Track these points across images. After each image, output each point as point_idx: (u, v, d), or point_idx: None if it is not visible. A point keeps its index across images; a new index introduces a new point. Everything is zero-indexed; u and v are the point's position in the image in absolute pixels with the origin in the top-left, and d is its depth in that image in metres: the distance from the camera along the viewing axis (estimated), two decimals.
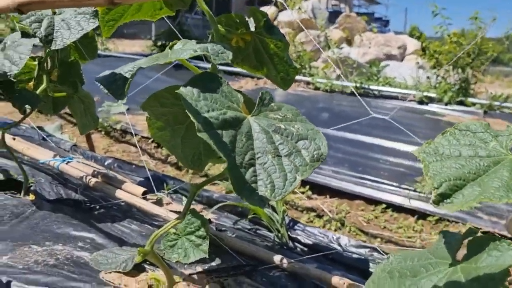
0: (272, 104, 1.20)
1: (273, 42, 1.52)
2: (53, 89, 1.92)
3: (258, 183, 1.02)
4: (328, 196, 3.68)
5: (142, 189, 1.85)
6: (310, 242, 1.91)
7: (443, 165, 0.83)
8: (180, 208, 2.27)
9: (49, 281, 1.30)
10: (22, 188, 1.99)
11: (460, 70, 5.06)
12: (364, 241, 3.06)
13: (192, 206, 2.29)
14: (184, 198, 2.36)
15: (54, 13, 1.86)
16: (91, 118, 2.03)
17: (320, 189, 3.82)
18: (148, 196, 2.41)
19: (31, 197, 1.95)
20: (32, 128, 3.24)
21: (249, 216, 2.05)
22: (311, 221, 3.34)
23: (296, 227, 1.99)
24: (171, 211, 1.84)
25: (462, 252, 0.84)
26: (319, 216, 3.39)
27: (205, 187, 2.58)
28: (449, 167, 0.82)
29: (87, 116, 2.04)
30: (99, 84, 1.15)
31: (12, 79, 1.71)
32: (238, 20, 1.48)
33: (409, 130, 4.26)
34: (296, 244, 1.92)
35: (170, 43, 1.29)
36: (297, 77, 5.95)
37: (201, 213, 2.24)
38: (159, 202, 2.22)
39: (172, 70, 6.88)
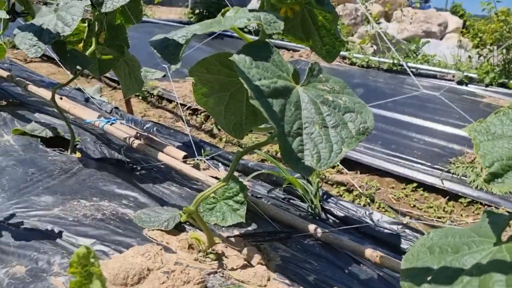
0: (321, 75, 1.21)
1: (321, 14, 1.51)
2: (100, 52, 1.98)
3: (305, 152, 1.05)
4: (359, 172, 3.69)
5: (183, 153, 1.91)
6: (342, 215, 1.94)
7: (494, 144, 0.84)
8: (217, 173, 2.33)
9: (97, 234, 1.38)
10: (69, 145, 2.08)
11: (504, 51, 4.87)
12: (394, 218, 3.08)
13: (226, 172, 2.35)
14: (220, 164, 2.41)
15: None
16: (135, 81, 2.08)
17: (351, 164, 3.83)
18: (187, 161, 2.48)
19: (78, 155, 2.04)
20: (76, 90, 3.34)
21: (284, 186, 2.09)
22: (341, 195, 3.36)
23: (329, 200, 2.02)
24: (209, 176, 1.89)
25: (507, 233, 0.86)
26: (349, 191, 3.41)
27: (246, 158, 2.63)
28: (501, 146, 0.82)
29: (132, 79, 2.10)
30: (152, 49, 1.19)
31: (64, 40, 1.77)
32: None
33: (447, 110, 4.18)
34: (329, 216, 1.95)
35: (223, 10, 1.31)
36: None
37: None
38: (196, 167, 2.29)
39: (210, 40, 6.89)
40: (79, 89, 4.17)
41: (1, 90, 2.95)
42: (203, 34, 1.26)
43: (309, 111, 1.09)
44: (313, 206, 1.96)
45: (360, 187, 3.57)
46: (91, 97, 3.19)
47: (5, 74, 2.79)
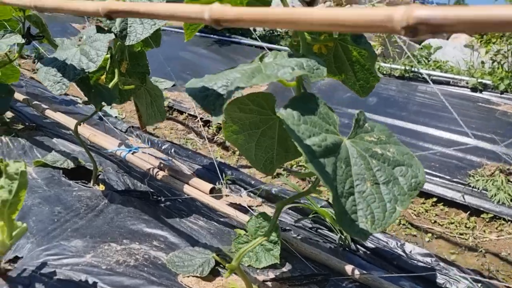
0: (366, 124, 1.17)
1: (356, 50, 1.46)
2: (122, 82, 1.93)
3: (358, 213, 1.01)
4: None
5: (209, 186, 1.87)
6: (373, 246, 1.89)
7: None
8: (240, 200, 2.29)
9: (132, 284, 1.35)
10: (90, 176, 2.04)
11: None
12: (415, 235, 3.04)
13: (250, 199, 2.32)
14: (242, 190, 2.37)
15: None
16: (157, 110, 2.04)
17: None
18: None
19: (101, 187, 2.00)
20: (84, 103, 3.29)
21: (311, 216, 2.05)
22: None
23: None
24: (235, 206, 1.85)
25: None
26: None
27: (265, 181, 2.59)
28: None
29: (154, 108, 2.06)
30: (192, 98, 1.14)
31: (87, 75, 1.73)
32: None
33: (463, 119, 4.12)
34: (359, 247, 1.91)
35: (260, 54, 1.27)
36: None
37: (260, 207, 2.26)
38: (218, 193, 2.25)
39: (218, 46, 6.80)
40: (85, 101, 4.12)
41: (15, 112, 2.92)
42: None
43: (359, 167, 1.05)
44: (343, 237, 1.92)
45: None
46: (104, 115, 3.14)
47: (21, 97, 2.76)
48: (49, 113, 2.54)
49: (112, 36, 1.70)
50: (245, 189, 2.37)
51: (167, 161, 2.49)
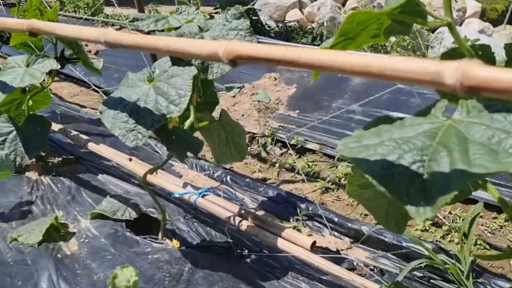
0: None
1: None
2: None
3: None
4: None
5: (311, 240, 1.56)
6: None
7: None
8: (324, 241, 2.00)
9: None
10: (154, 223, 1.74)
11: None
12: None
13: (336, 241, 2.02)
14: (323, 227, 2.07)
15: (201, 30, 1.55)
16: (235, 148, 1.73)
17: None
18: (280, 223, 2.14)
19: (175, 243, 1.70)
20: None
21: (421, 263, 1.75)
22: (427, 230, 3.02)
23: (481, 278, 1.69)
24: (322, 250, 1.56)
25: None
26: (436, 225, 3.07)
27: (351, 216, 2.27)
28: None
29: (229, 145, 1.75)
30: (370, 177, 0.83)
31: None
32: None
33: None
34: None
35: (434, 103, 0.96)
36: None
37: (349, 249, 1.97)
38: (297, 233, 1.96)
39: None
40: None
41: (48, 141, 2.60)
42: None
43: None
44: None
45: (444, 218, 3.23)
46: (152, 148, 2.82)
47: (57, 126, 2.44)
48: (93, 147, 2.22)
49: (194, 71, 1.38)
50: (326, 226, 2.07)
51: (234, 197, 2.19)
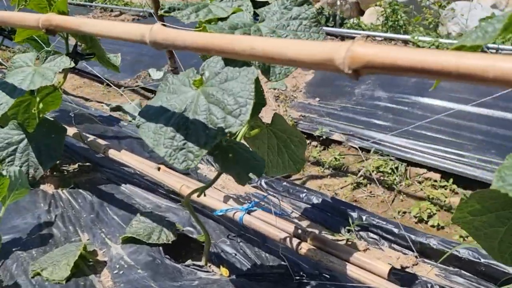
0: None
1: None
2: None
3: None
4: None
5: (387, 267, 1.33)
6: None
7: None
8: (383, 256, 1.76)
9: None
10: (191, 243, 1.50)
11: None
12: None
13: (399, 256, 1.78)
14: (379, 238, 1.83)
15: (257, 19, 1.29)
16: (289, 158, 1.48)
17: (465, 183, 3.22)
18: (330, 236, 1.91)
19: (224, 271, 1.46)
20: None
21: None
22: None
23: None
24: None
25: None
26: None
27: (387, 215, 2.03)
28: None
29: (282, 155, 1.49)
30: None
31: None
32: None
33: None
34: None
35: None
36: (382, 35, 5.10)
37: (415, 265, 1.74)
38: (354, 248, 1.73)
39: None
40: (118, 107, 3.53)
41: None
42: None
43: None
44: None
45: None
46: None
47: (71, 131, 2.17)
48: (114, 155, 1.97)
49: (255, 72, 1.12)
50: (383, 238, 1.83)
51: (280, 212, 1.95)
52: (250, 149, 1.24)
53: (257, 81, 1.46)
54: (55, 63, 1.89)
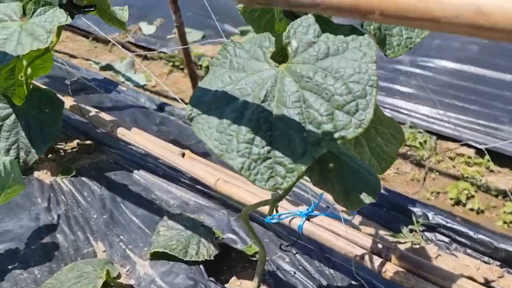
0: None
1: None
2: None
3: None
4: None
5: None
6: None
7: None
8: (460, 266, 1.47)
9: None
10: (232, 253, 1.18)
11: None
12: None
13: (480, 266, 1.49)
14: (450, 241, 1.53)
15: None
16: (373, 156, 1.13)
17: (503, 159, 2.92)
18: (386, 236, 1.61)
19: None
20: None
21: None
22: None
23: None
24: None
25: None
26: None
27: (420, 196, 1.75)
28: None
29: (363, 151, 1.14)
30: None
31: None
32: None
33: None
34: None
35: None
36: None
37: (501, 278, 1.45)
38: (422, 252, 1.44)
39: None
40: (108, 66, 3.08)
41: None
42: None
43: None
44: None
45: None
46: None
47: (68, 103, 1.75)
48: (124, 134, 1.57)
49: (372, 44, 0.74)
50: (455, 240, 1.53)
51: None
52: (358, 157, 0.89)
53: None
54: (47, 18, 1.48)
